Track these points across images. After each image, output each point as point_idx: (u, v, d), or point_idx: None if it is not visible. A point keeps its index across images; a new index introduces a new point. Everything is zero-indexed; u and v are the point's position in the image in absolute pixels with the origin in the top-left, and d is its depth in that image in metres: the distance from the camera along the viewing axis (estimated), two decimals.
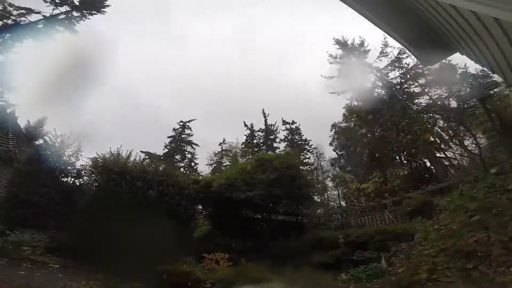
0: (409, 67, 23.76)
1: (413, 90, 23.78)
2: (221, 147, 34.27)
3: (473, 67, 19.23)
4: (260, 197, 11.83)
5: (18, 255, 6.83)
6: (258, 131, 32.89)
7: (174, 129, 32.99)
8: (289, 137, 32.11)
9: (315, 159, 30.90)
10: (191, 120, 33.53)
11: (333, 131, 29.16)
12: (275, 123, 32.75)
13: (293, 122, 32.48)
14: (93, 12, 16.72)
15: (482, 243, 3.78)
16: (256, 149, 30.89)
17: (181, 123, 33.38)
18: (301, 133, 32.12)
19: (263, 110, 33.32)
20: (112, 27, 36.57)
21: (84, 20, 16.75)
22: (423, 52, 3.28)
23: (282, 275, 8.25)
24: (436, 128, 21.46)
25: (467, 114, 15.86)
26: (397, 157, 22.81)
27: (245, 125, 33.12)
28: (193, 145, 32.97)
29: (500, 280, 3.10)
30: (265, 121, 33.02)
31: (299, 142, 31.36)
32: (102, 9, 16.85)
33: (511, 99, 6.98)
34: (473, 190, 5.20)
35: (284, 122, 32.63)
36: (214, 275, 6.38)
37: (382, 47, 25.03)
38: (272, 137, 32.37)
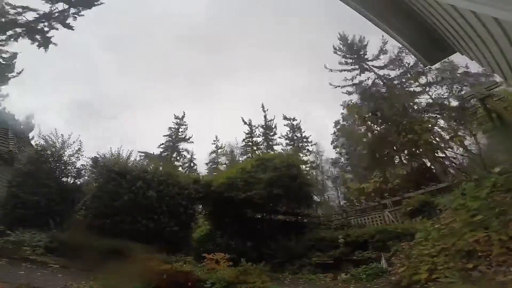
0: (409, 66, 23.77)
1: (413, 89, 23.79)
2: (215, 145, 33.98)
3: (474, 67, 19.27)
4: (260, 197, 11.81)
5: (18, 255, 6.82)
6: (258, 127, 32.06)
7: (169, 128, 32.69)
8: (289, 134, 31.59)
9: (315, 158, 30.84)
10: (184, 115, 33.10)
11: (334, 130, 29.12)
12: (274, 117, 31.91)
13: (294, 119, 31.95)
14: (89, 7, 16.71)
15: (482, 243, 3.78)
16: (255, 148, 30.59)
17: (176, 119, 32.96)
18: (302, 130, 31.67)
19: (262, 104, 32.33)
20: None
21: (80, 16, 16.76)
22: (423, 52, 3.27)
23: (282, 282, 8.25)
24: (436, 128, 21.45)
25: (467, 114, 15.85)
26: (397, 157, 22.79)
27: (244, 122, 32.26)
28: (190, 142, 32.58)
29: (500, 280, 3.10)
30: (265, 116, 31.84)
31: (300, 140, 31.03)
32: (97, 3, 16.82)
33: (511, 99, 6.98)
34: (476, 189, 5.20)
35: (285, 118, 31.87)
36: (214, 275, 6.37)
37: (382, 46, 25.06)
38: (271, 133, 31.64)
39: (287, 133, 31.61)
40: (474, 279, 3.39)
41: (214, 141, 33.98)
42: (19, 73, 19.11)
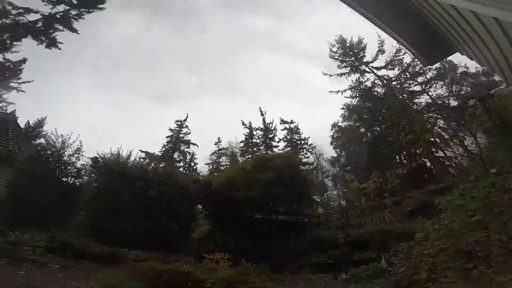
0: (409, 66, 23.77)
1: (413, 89, 23.81)
2: (217, 146, 34.12)
3: (474, 66, 19.29)
4: (260, 197, 11.82)
5: (18, 255, 6.81)
6: (257, 129, 32.38)
7: (170, 129, 32.98)
8: (288, 137, 31.72)
9: (314, 159, 30.76)
10: (187, 118, 33.45)
11: (333, 130, 29.11)
12: (273, 121, 32.34)
13: (292, 122, 32.10)
14: (91, 10, 16.68)
15: (482, 243, 3.78)
16: (255, 149, 30.67)
17: (178, 122, 33.32)
18: (300, 132, 31.78)
19: (260, 108, 32.82)
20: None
21: (83, 18, 16.74)
22: (423, 52, 3.28)
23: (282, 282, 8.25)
24: (436, 128, 21.44)
25: (467, 114, 15.83)
26: (397, 157, 22.79)
27: (243, 124, 32.52)
28: (191, 144, 32.91)
29: (500, 280, 3.10)
30: (263, 119, 32.37)
31: (298, 142, 31.11)
32: (100, 6, 16.79)
33: (511, 99, 6.98)
34: (474, 190, 5.20)
35: (283, 121, 32.04)
36: (214, 275, 6.37)
37: (381, 47, 25.07)
38: (271, 136, 31.89)
39: (284, 135, 31.79)
40: (474, 279, 3.39)
41: (216, 142, 34.08)
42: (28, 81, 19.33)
